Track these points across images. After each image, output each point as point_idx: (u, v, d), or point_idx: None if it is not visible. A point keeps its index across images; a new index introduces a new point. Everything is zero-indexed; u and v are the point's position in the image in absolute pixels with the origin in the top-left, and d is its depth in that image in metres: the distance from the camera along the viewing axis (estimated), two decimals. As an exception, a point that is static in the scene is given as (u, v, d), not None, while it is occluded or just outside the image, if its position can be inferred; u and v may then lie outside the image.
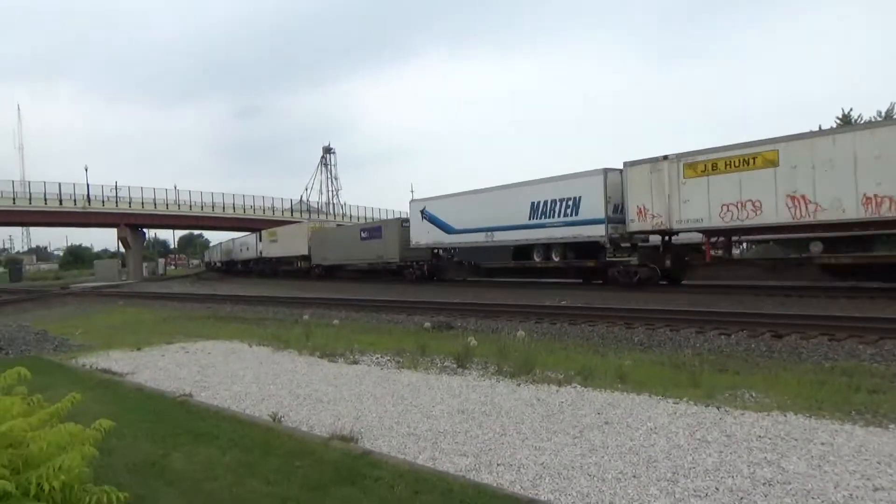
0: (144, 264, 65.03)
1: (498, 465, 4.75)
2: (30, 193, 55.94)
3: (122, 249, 64.48)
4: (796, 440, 5.00)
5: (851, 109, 35.38)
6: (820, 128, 29.17)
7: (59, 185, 56.76)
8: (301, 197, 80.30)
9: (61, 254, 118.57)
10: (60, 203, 56.46)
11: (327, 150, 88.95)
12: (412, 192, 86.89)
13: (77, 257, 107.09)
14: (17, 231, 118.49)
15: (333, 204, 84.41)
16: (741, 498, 3.92)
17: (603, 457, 4.81)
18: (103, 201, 58.85)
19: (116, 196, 59.63)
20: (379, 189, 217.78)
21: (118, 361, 10.52)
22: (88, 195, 57.77)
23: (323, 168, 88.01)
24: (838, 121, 34.39)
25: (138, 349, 11.87)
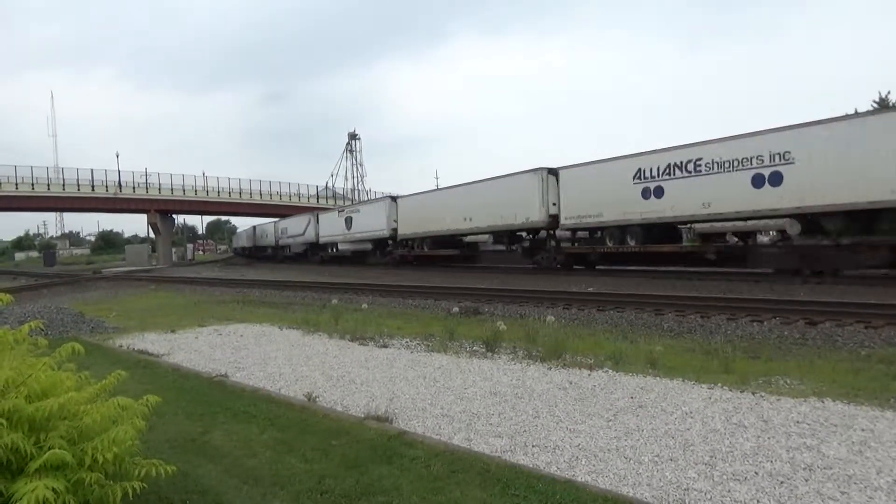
0: (173, 249, 66.08)
1: (533, 446, 4.77)
2: (63, 180, 57.13)
3: (152, 235, 65.66)
4: (835, 426, 4.93)
5: (889, 93, 34.41)
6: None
7: (92, 171, 58.00)
8: (326, 183, 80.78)
9: (93, 239, 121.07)
10: (93, 189, 57.62)
11: (352, 137, 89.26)
12: (437, 178, 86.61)
13: (108, 242, 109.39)
14: (50, 217, 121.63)
15: (358, 190, 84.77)
16: (781, 482, 3.88)
17: (638, 440, 4.81)
18: (134, 188, 59.97)
19: (146, 182, 60.68)
20: (403, 176, 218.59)
21: (154, 343, 10.75)
22: (119, 182, 58.87)
23: (348, 154, 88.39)
24: (875, 104, 33.52)
25: (172, 331, 12.11)
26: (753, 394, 6.00)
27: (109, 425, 3.06)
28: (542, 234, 26.67)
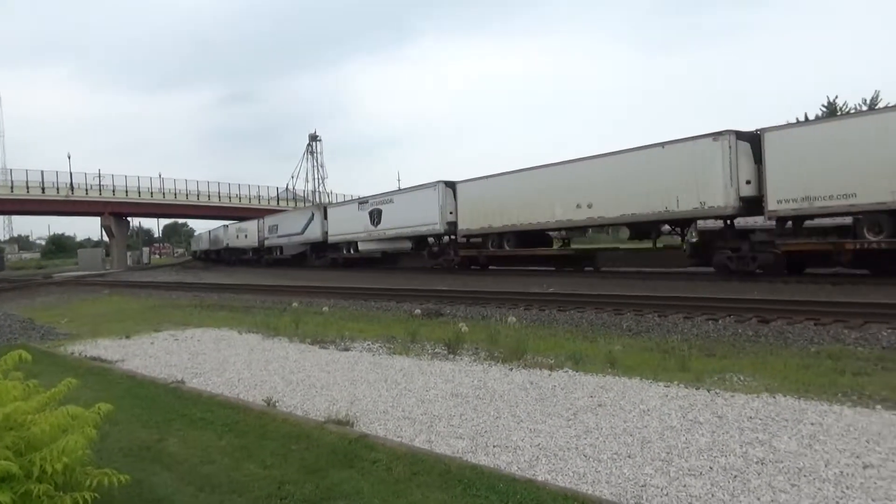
0: (129, 253, 64.34)
1: (494, 447, 4.80)
2: (11, 181, 55.06)
3: (106, 238, 63.83)
4: (786, 420, 5.09)
5: (837, 97, 35.67)
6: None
7: (42, 172, 55.98)
8: (287, 185, 79.79)
9: (44, 243, 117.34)
10: (43, 191, 55.67)
11: (313, 138, 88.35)
12: (399, 180, 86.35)
13: (60, 246, 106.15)
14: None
15: (319, 192, 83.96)
16: (735, 476, 3.99)
17: (597, 438, 4.88)
18: (87, 189, 58.13)
19: (100, 184, 58.87)
20: (364, 178, 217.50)
21: (107, 349, 10.46)
22: (72, 183, 56.98)
23: (309, 156, 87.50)
24: (824, 109, 34.66)
25: (127, 337, 11.80)
26: (708, 391, 6.15)
27: (59, 435, 2.97)
28: (701, 223, 20.25)
